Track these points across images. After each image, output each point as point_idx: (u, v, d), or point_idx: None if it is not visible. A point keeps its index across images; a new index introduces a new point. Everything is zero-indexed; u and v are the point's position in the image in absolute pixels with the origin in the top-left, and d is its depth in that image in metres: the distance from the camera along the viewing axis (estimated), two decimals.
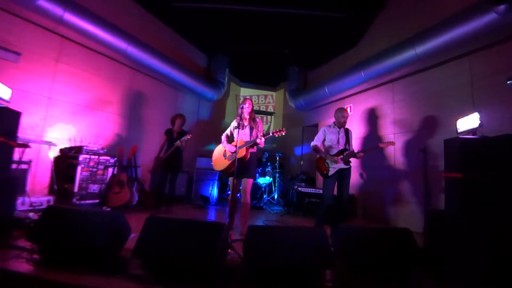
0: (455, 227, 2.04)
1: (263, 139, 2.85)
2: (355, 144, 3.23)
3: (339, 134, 3.34)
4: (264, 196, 5.57)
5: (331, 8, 4.72)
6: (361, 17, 4.99)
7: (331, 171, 3.19)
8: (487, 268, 1.73)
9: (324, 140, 3.38)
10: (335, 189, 3.26)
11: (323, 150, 3.35)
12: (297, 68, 7.02)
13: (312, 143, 3.39)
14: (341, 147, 3.29)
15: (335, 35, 5.48)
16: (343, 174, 3.21)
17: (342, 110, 3.39)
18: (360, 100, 5.26)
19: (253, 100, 8.08)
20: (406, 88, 4.32)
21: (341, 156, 3.22)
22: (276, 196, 5.87)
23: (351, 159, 3.29)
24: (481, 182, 1.98)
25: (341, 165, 3.20)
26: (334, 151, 3.29)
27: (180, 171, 4.34)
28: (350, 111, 5.49)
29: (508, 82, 2.78)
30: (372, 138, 4.83)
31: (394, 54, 4.01)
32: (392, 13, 4.70)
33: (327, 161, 3.24)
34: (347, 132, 3.39)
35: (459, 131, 2.58)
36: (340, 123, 3.35)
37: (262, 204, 5.38)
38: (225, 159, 3.06)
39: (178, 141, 3.93)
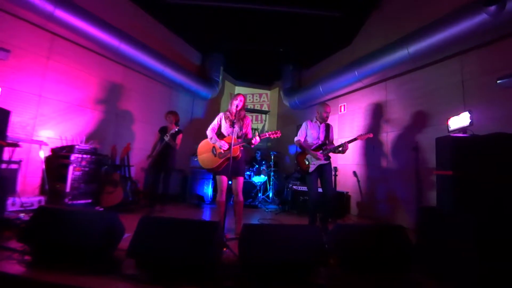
0: (446, 224, 2.08)
1: (258, 138, 2.79)
2: (351, 143, 3.25)
3: (319, 129, 3.37)
4: (259, 195, 5.58)
5: (326, 7, 4.74)
6: (355, 16, 5.02)
7: (311, 168, 3.21)
8: (478, 265, 1.77)
9: (306, 134, 3.40)
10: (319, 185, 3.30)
11: (305, 146, 3.35)
12: (292, 66, 7.03)
13: (296, 138, 3.41)
14: (320, 142, 3.32)
15: (330, 34, 5.50)
16: (323, 170, 3.23)
17: (325, 105, 3.41)
18: (354, 99, 5.30)
19: (247, 98, 8.22)
20: (399, 87, 4.37)
21: (321, 151, 3.24)
22: (270, 195, 5.89)
23: (332, 155, 3.32)
24: (471, 179, 2.02)
25: (322, 161, 3.22)
26: (313, 146, 3.32)
27: (172, 169, 4.30)
28: (344, 110, 5.54)
29: (498, 81, 2.84)
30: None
31: (387, 54, 4.06)
32: (386, 12, 4.75)
33: (307, 157, 3.28)
34: (328, 128, 3.41)
35: (450, 129, 2.63)
36: (323, 118, 3.38)
37: (257, 203, 5.39)
38: (215, 156, 2.95)
39: (166, 135, 3.87)
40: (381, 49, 4.22)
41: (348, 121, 5.39)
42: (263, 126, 8.24)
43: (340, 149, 3.18)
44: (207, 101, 7.08)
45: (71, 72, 4.13)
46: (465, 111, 2.48)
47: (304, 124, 3.44)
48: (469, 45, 3.29)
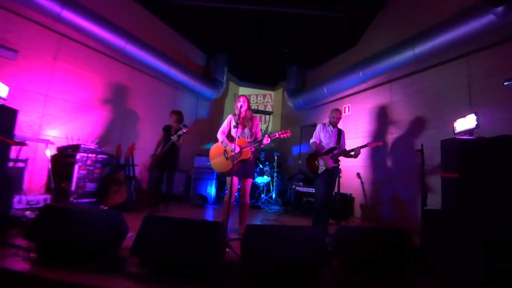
0: (452, 227, 2.05)
1: (269, 139, 2.80)
2: (355, 145, 3.30)
3: (331, 133, 3.46)
4: (262, 196, 5.58)
5: (331, 8, 4.73)
6: (360, 17, 5.00)
7: (321, 169, 3.29)
8: (485, 267, 1.74)
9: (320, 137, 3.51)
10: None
11: (319, 148, 3.43)
12: (296, 67, 7.02)
13: (312, 140, 3.51)
14: (331, 145, 3.40)
15: (334, 35, 5.48)
16: (331, 172, 3.32)
17: (336, 111, 3.49)
18: (359, 100, 5.27)
19: (251, 99, 8.23)
20: (404, 88, 4.34)
21: (331, 155, 3.32)
22: (274, 196, 5.87)
23: (341, 158, 3.42)
24: (477, 182, 2.00)
25: (331, 164, 3.28)
26: (324, 150, 3.40)
27: (176, 169, 4.30)
28: (348, 111, 5.52)
29: (505, 83, 2.80)
30: (370, 138, 4.85)
31: (393, 55, 4.03)
32: (391, 13, 4.72)
33: (318, 159, 3.34)
34: (340, 133, 3.50)
35: (456, 131, 2.59)
36: (333, 123, 3.48)
37: (260, 204, 5.39)
38: (228, 160, 2.94)
39: (174, 136, 3.87)
40: (386, 50, 4.19)
41: (352, 122, 5.36)
42: (267, 127, 8.23)
43: (352, 153, 3.28)
44: (211, 102, 7.10)
45: (77, 73, 4.18)
46: (471, 113, 2.44)
47: (318, 127, 3.55)
48: (476, 46, 3.25)
